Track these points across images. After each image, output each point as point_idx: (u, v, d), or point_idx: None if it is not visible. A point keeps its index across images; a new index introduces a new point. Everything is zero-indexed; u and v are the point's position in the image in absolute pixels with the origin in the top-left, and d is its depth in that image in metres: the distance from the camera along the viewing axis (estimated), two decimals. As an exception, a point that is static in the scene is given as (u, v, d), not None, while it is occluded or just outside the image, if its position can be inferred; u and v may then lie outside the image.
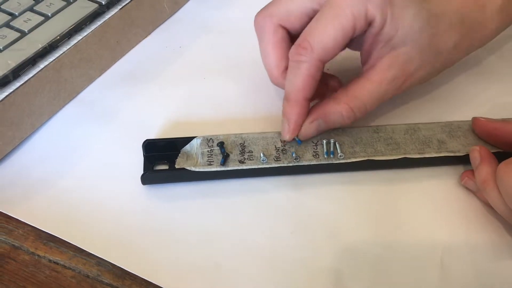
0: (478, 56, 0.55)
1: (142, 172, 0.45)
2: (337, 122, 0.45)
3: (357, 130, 0.46)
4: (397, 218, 0.43)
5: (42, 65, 0.49)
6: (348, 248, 0.41)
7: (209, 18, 0.62)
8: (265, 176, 0.45)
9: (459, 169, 0.45)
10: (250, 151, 0.45)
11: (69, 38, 0.51)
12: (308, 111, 0.45)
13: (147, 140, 0.46)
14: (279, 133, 0.46)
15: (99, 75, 0.55)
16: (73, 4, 0.54)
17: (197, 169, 0.44)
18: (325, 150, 0.45)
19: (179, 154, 0.45)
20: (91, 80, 0.54)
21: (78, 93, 0.53)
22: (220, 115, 0.51)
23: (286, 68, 0.45)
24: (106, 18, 0.54)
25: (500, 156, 0.42)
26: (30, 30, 0.51)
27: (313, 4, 0.44)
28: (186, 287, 0.39)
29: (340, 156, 0.44)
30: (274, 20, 0.46)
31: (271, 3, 0.47)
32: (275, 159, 0.44)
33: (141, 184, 0.45)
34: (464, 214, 0.43)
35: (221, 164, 0.44)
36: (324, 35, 0.42)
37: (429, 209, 0.43)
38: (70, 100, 0.52)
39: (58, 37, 0.50)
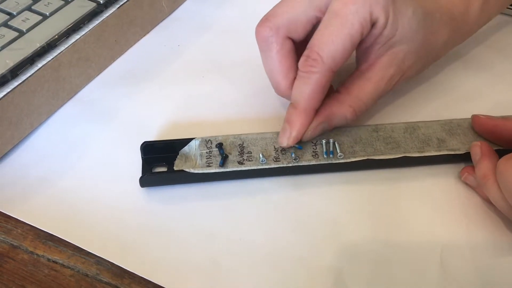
0: (477, 53, 0.55)
1: (140, 171, 0.45)
2: (340, 124, 0.45)
3: (356, 129, 0.46)
4: (397, 217, 0.43)
5: (40, 64, 0.49)
6: (348, 247, 0.41)
7: (208, 17, 0.62)
8: (264, 177, 0.45)
9: (459, 167, 0.45)
10: (249, 152, 0.45)
11: (67, 37, 0.51)
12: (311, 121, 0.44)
13: (145, 142, 0.46)
14: (278, 133, 0.46)
15: (98, 74, 0.55)
16: (71, 3, 0.53)
17: (196, 171, 0.44)
18: (324, 150, 0.45)
19: (178, 156, 0.45)
20: (89, 79, 0.54)
21: (76, 92, 0.53)
22: (218, 115, 0.50)
23: (294, 79, 0.44)
24: (104, 17, 0.54)
25: (501, 154, 0.42)
26: (28, 30, 0.51)
27: (316, 12, 0.44)
28: (185, 286, 0.39)
29: (339, 156, 0.44)
30: (281, 32, 0.45)
31: (273, 13, 0.45)
32: (274, 160, 0.44)
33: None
34: (464, 212, 0.43)
35: (220, 166, 0.44)
36: (334, 45, 0.41)
37: (429, 208, 0.43)
38: (69, 100, 0.52)
39: (56, 36, 0.50)
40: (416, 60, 0.46)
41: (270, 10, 0.45)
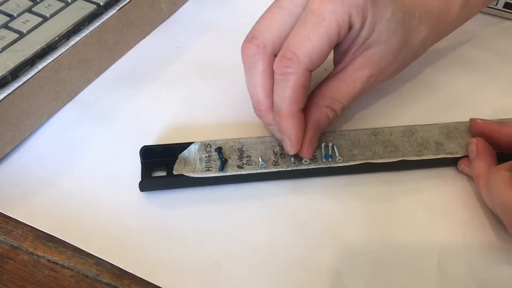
0: (475, 57, 0.55)
1: (140, 173, 0.45)
2: (325, 126, 0.45)
3: (355, 133, 0.46)
4: (395, 220, 0.43)
5: (40, 66, 0.49)
6: (347, 249, 0.41)
7: (207, 19, 0.62)
8: (263, 180, 0.45)
9: (457, 170, 0.46)
10: (249, 156, 0.45)
11: (67, 39, 0.51)
12: (303, 121, 0.43)
13: (144, 146, 0.46)
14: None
15: (98, 76, 0.55)
16: (72, 5, 0.54)
17: (195, 175, 0.44)
18: (323, 154, 0.45)
19: (177, 160, 0.45)
20: (89, 81, 0.54)
21: (77, 94, 0.53)
22: (217, 118, 0.51)
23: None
24: (104, 19, 0.54)
25: (498, 157, 0.43)
26: (29, 31, 0.51)
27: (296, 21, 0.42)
28: (184, 287, 0.39)
29: (338, 160, 0.44)
30: (268, 50, 0.43)
31: (257, 30, 0.44)
32: (274, 164, 0.44)
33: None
34: (462, 215, 0.43)
35: (219, 170, 0.44)
36: (310, 44, 0.40)
37: (427, 210, 0.43)
38: (69, 101, 0.52)
39: (57, 38, 0.50)
40: (394, 60, 0.45)
41: (254, 26, 0.44)
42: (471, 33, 0.49)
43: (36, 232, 0.43)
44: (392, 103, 0.51)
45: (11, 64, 0.47)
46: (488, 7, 0.59)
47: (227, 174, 0.44)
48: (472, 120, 0.46)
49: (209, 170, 0.44)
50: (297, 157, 0.44)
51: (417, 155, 0.45)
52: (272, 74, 0.43)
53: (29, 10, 0.53)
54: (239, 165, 0.44)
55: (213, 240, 0.42)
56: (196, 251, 0.41)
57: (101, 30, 0.53)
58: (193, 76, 0.55)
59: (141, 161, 0.46)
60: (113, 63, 0.56)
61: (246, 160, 0.45)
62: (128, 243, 0.42)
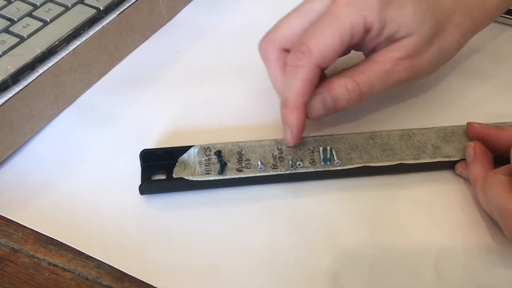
0: (473, 61, 0.56)
1: (140, 176, 0.45)
2: (343, 97, 0.45)
3: (353, 136, 0.47)
4: (393, 222, 0.43)
5: (41, 70, 0.49)
6: (345, 251, 0.41)
7: (206, 23, 0.62)
8: (262, 184, 0.45)
9: (454, 173, 0.46)
10: (248, 159, 0.45)
11: (67, 43, 0.52)
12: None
13: (144, 150, 0.46)
14: (276, 141, 0.46)
15: (98, 80, 0.55)
16: (72, 9, 0.54)
17: (195, 178, 0.44)
18: (321, 157, 0.45)
19: (177, 164, 0.46)
20: (89, 85, 0.54)
21: (77, 97, 0.53)
22: (217, 122, 0.51)
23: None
24: (104, 24, 0.54)
25: (496, 160, 0.43)
26: (29, 36, 0.51)
27: (309, 24, 0.45)
28: (184, 290, 0.40)
29: (336, 163, 0.45)
30: (277, 46, 0.47)
31: (271, 30, 0.47)
32: (273, 167, 0.45)
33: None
34: (459, 218, 0.43)
35: (219, 173, 0.44)
36: (323, 40, 0.42)
37: (424, 213, 0.44)
38: (69, 105, 0.53)
39: (57, 42, 0.51)
40: (426, 49, 0.45)
41: (272, 27, 0.47)
42: (468, 41, 0.50)
43: (36, 235, 0.43)
44: (390, 107, 0.51)
45: (11, 68, 0.48)
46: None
47: (227, 177, 0.44)
48: (469, 124, 0.46)
49: (209, 174, 0.44)
50: (296, 160, 0.45)
51: (415, 159, 0.45)
52: (285, 66, 0.45)
53: (30, 15, 0.53)
54: (238, 169, 0.45)
55: (212, 243, 0.42)
56: (196, 253, 0.41)
57: (101, 34, 0.54)
58: (192, 80, 0.55)
59: (141, 165, 0.46)
60: (113, 67, 0.57)
61: (245, 164, 0.45)
62: (128, 245, 0.42)
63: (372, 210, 0.44)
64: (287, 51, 0.46)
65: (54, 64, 0.50)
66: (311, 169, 0.44)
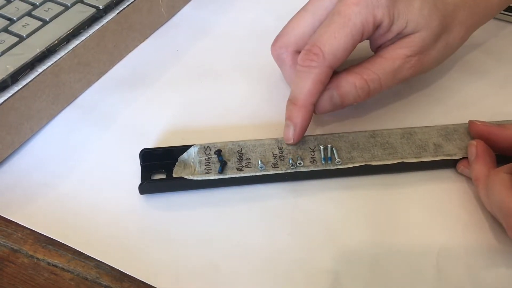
0: (475, 59, 0.56)
1: (139, 176, 0.45)
2: (351, 95, 0.45)
3: (354, 135, 0.47)
4: (394, 221, 0.43)
5: (40, 69, 0.49)
6: (346, 251, 0.41)
7: (206, 22, 0.62)
8: (263, 183, 0.45)
9: (456, 172, 0.46)
10: (248, 159, 0.45)
11: (67, 43, 0.51)
12: (312, 115, 0.45)
13: (144, 149, 0.46)
14: (277, 140, 0.46)
15: (97, 79, 0.55)
16: (71, 9, 0.54)
17: (195, 178, 0.44)
18: (322, 156, 0.45)
19: (176, 163, 0.46)
20: (89, 84, 0.54)
21: (76, 97, 0.53)
22: (216, 121, 0.51)
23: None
24: (103, 23, 0.54)
25: (499, 159, 0.43)
26: (28, 35, 0.51)
27: (320, 24, 0.45)
28: (184, 290, 0.40)
29: (337, 162, 0.44)
30: (290, 50, 0.48)
31: (283, 32, 0.48)
32: (273, 166, 0.45)
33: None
34: (460, 216, 0.43)
35: (219, 172, 0.44)
36: (336, 42, 0.42)
37: (425, 212, 0.43)
38: (69, 104, 0.52)
39: (56, 42, 0.50)
40: (433, 44, 0.46)
41: (282, 29, 0.48)
42: (470, 36, 0.50)
43: (36, 235, 0.43)
44: (391, 105, 0.51)
45: (11, 68, 0.47)
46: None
47: (227, 176, 0.44)
48: (471, 122, 0.46)
49: (209, 173, 0.44)
50: (297, 159, 0.45)
51: (416, 157, 0.45)
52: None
53: (29, 14, 0.53)
54: (238, 168, 0.44)
55: (212, 243, 0.42)
56: (195, 253, 0.41)
57: (100, 33, 0.53)
58: (192, 79, 0.55)
59: (140, 164, 0.46)
60: (113, 66, 0.57)
61: (246, 163, 0.45)
62: (128, 245, 0.42)
63: (373, 209, 0.44)
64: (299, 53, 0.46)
65: (53, 63, 0.50)
66: (312, 168, 0.44)
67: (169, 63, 0.57)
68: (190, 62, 0.57)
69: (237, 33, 0.60)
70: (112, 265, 0.41)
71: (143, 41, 0.60)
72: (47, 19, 0.52)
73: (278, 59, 0.49)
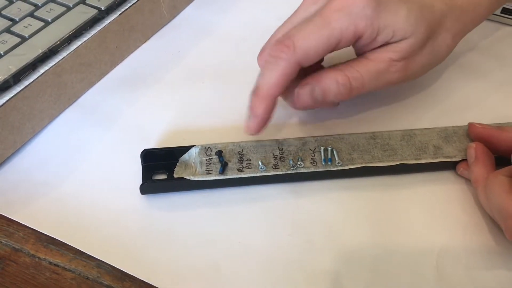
0: (475, 61, 0.56)
1: (141, 177, 0.45)
2: (332, 91, 0.44)
3: (354, 136, 0.47)
4: (394, 223, 0.43)
5: (42, 70, 0.49)
6: (346, 251, 0.41)
7: (208, 23, 0.62)
8: (263, 184, 0.45)
9: (455, 174, 0.46)
10: (249, 160, 0.45)
11: (69, 43, 0.52)
12: (274, 107, 0.44)
13: (145, 149, 0.46)
14: (277, 141, 0.46)
15: (99, 80, 0.55)
16: (73, 9, 0.54)
17: (196, 178, 0.44)
18: (323, 157, 0.45)
19: (177, 163, 0.46)
20: (91, 84, 0.54)
21: (78, 97, 0.53)
22: (217, 122, 0.51)
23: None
24: (105, 24, 0.54)
25: (498, 161, 0.43)
26: (31, 36, 0.51)
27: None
28: (185, 290, 0.40)
29: (337, 163, 0.45)
30: (296, 57, 0.44)
31: (270, 39, 0.47)
32: (274, 167, 0.45)
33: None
34: (460, 217, 0.43)
35: (220, 173, 0.44)
36: (309, 40, 0.42)
37: (425, 213, 0.44)
38: (70, 105, 0.53)
39: (58, 42, 0.51)
40: (419, 51, 0.45)
41: (270, 37, 0.46)
42: (469, 38, 0.50)
43: (37, 235, 0.43)
44: (391, 107, 0.51)
45: (13, 68, 0.48)
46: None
47: (227, 177, 0.44)
48: (470, 124, 0.46)
49: (210, 173, 0.44)
50: (295, 160, 0.45)
51: (416, 159, 0.45)
52: (288, 78, 0.43)
53: (31, 15, 0.53)
54: (239, 169, 0.45)
55: (213, 243, 0.42)
56: (196, 253, 0.41)
57: (102, 34, 0.54)
58: (193, 80, 0.55)
59: (142, 164, 0.46)
60: (114, 67, 0.57)
61: (246, 164, 0.45)
62: (129, 245, 0.42)
63: (373, 211, 0.44)
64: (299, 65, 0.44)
65: (55, 64, 0.50)
66: (312, 169, 0.44)
67: (170, 64, 0.57)
68: (191, 63, 0.57)
69: (239, 33, 0.60)
70: (113, 265, 0.41)
71: (145, 42, 0.60)
72: (49, 20, 0.53)
73: (275, 58, 0.46)
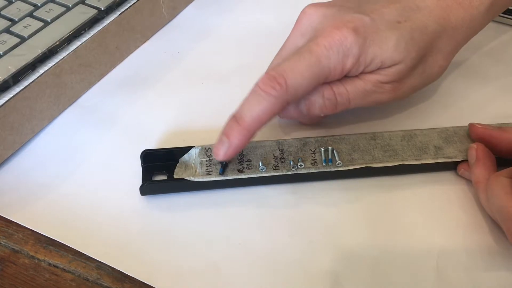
0: (475, 62, 0.56)
1: (140, 177, 0.45)
2: (317, 104, 0.44)
3: (355, 137, 0.47)
4: (394, 223, 0.43)
5: (42, 70, 0.49)
6: (346, 252, 0.41)
7: (207, 24, 0.62)
8: (264, 184, 0.45)
9: (456, 174, 0.46)
10: (249, 160, 0.45)
11: (68, 44, 0.52)
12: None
13: (145, 150, 0.46)
14: (277, 142, 0.46)
15: (98, 80, 0.55)
16: (73, 10, 0.54)
17: (196, 179, 0.44)
18: (323, 158, 0.45)
19: (178, 164, 0.46)
20: (90, 85, 0.54)
21: (77, 98, 0.53)
22: (218, 123, 0.50)
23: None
24: (105, 24, 0.54)
25: (499, 161, 0.43)
26: (30, 36, 0.51)
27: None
28: (185, 291, 0.40)
29: (338, 164, 0.45)
30: (287, 96, 0.43)
31: (274, 61, 0.47)
32: (274, 168, 0.45)
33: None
34: (461, 218, 0.43)
35: (220, 174, 0.44)
36: (301, 79, 0.41)
37: (426, 214, 0.44)
38: (70, 105, 0.53)
39: (58, 43, 0.51)
40: (409, 74, 0.45)
41: (282, 67, 0.42)
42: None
43: (37, 236, 0.43)
44: (391, 108, 0.51)
45: (12, 69, 0.48)
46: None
47: (228, 178, 0.44)
48: (471, 125, 0.46)
49: (210, 174, 0.44)
50: (296, 160, 0.45)
51: (416, 160, 0.45)
52: (275, 112, 0.43)
53: (31, 15, 0.53)
54: (239, 169, 0.44)
55: (213, 244, 0.42)
56: (196, 254, 0.41)
57: (102, 34, 0.54)
58: (193, 81, 0.55)
59: (141, 165, 0.46)
60: (114, 67, 0.57)
61: (247, 164, 0.45)
62: (129, 246, 0.42)
63: (374, 211, 0.44)
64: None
65: (54, 64, 0.50)
66: (313, 170, 0.44)
67: (170, 64, 0.57)
68: (191, 64, 0.57)
69: (238, 34, 0.60)
70: (113, 266, 0.41)
71: (145, 42, 0.60)
72: (49, 20, 0.53)
73: (268, 91, 0.43)
